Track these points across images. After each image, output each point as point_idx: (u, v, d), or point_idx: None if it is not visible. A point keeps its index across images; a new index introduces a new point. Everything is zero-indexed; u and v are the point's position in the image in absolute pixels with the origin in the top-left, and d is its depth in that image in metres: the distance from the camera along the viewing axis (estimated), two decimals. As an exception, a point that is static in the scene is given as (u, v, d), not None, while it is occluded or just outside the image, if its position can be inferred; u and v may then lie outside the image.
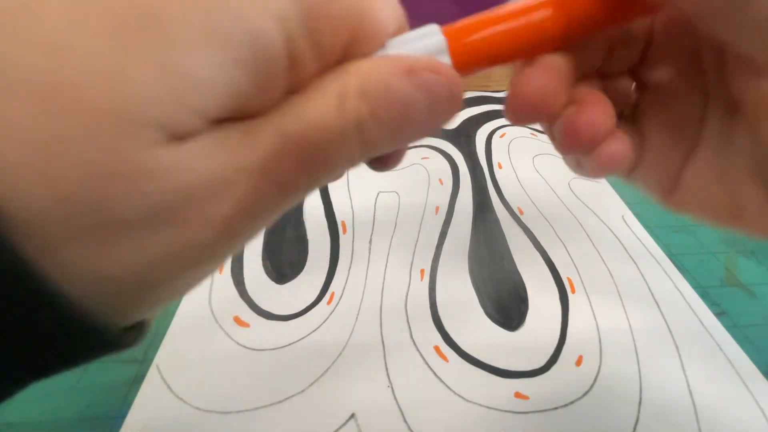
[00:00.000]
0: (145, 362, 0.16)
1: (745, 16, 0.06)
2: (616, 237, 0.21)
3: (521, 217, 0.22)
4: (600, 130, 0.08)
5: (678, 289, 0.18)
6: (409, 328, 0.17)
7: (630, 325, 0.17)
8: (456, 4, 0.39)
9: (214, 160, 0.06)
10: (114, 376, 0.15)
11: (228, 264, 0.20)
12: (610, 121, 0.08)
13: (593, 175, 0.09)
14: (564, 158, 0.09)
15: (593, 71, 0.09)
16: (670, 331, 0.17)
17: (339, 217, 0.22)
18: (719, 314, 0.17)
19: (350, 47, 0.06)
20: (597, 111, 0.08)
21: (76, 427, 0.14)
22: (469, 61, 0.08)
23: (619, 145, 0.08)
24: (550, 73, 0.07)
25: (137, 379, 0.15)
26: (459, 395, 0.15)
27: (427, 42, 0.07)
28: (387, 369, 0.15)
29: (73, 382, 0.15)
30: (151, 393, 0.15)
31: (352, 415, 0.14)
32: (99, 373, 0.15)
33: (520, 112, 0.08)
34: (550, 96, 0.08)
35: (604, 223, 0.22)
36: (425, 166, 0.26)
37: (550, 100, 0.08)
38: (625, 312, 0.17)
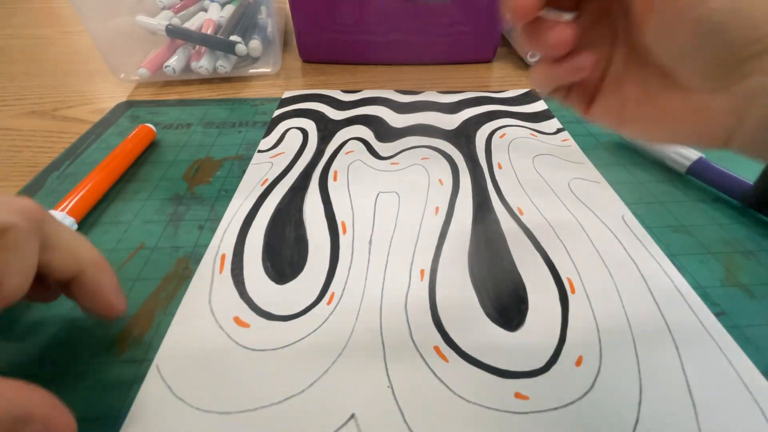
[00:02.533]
0: (146, 362, 0.16)
1: None
2: (616, 237, 0.21)
3: (521, 217, 0.22)
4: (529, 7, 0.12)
5: (678, 289, 0.18)
6: (409, 328, 0.17)
7: (630, 325, 0.17)
8: (456, 4, 0.39)
9: None
10: (114, 376, 0.15)
11: (228, 264, 0.20)
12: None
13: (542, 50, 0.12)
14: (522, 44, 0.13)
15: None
16: (670, 332, 0.17)
17: (339, 217, 0.22)
18: (719, 314, 0.17)
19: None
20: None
21: (77, 428, 0.14)
22: None
23: (560, 31, 0.12)
24: None
25: (137, 379, 0.15)
26: (459, 395, 0.14)
27: None
28: (387, 369, 0.15)
29: (73, 382, 0.15)
30: (151, 393, 0.15)
31: (352, 416, 0.14)
32: (99, 373, 0.15)
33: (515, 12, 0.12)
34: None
35: (604, 223, 0.22)
36: (425, 167, 0.26)
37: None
38: (625, 312, 0.17)
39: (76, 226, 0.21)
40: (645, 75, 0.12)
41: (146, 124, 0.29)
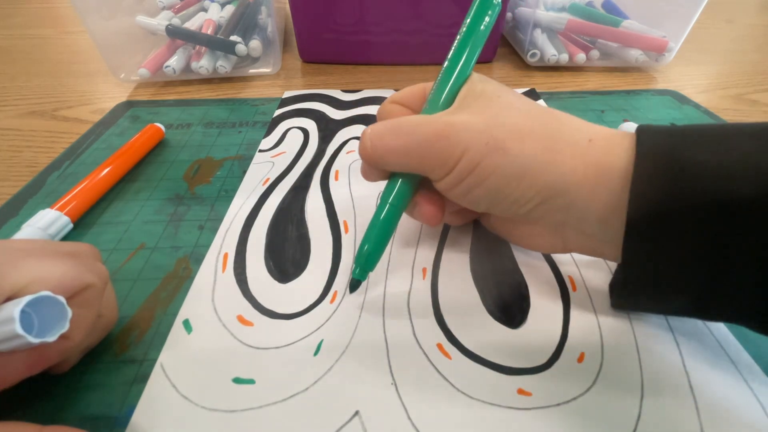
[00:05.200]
0: (146, 362, 0.16)
1: (478, 206, 0.16)
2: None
3: (522, 215, 0.22)
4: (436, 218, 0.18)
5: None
6: (412, 326, 0.17)
7: (630, 322, 0.17)
8: (456, 4, 0.39)
9: None
10: (114, 376, 0.15)
11: (230, 263, 0.20)
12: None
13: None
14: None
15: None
16: (670, 328, 0.17)
17: (341, 216, 0.22)
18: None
19: None
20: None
21: (76, 427, 0.14)
22: None
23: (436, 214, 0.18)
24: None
25: (137, 379, 0.15)
26: (462, 392, 0.15)
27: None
28: (390, 367, 0.15)
29: (73, 382, 0.15)
30: (156, 392, 0.15)
31: (356, 413, 0.14)
32: (99, 373, 0.15)
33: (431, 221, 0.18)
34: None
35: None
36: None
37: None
38: (626, 309, 0.17)
39: (71, 226, 0.21)
40: (500, 218, 0.19)
41: (155, 124, 0.29)
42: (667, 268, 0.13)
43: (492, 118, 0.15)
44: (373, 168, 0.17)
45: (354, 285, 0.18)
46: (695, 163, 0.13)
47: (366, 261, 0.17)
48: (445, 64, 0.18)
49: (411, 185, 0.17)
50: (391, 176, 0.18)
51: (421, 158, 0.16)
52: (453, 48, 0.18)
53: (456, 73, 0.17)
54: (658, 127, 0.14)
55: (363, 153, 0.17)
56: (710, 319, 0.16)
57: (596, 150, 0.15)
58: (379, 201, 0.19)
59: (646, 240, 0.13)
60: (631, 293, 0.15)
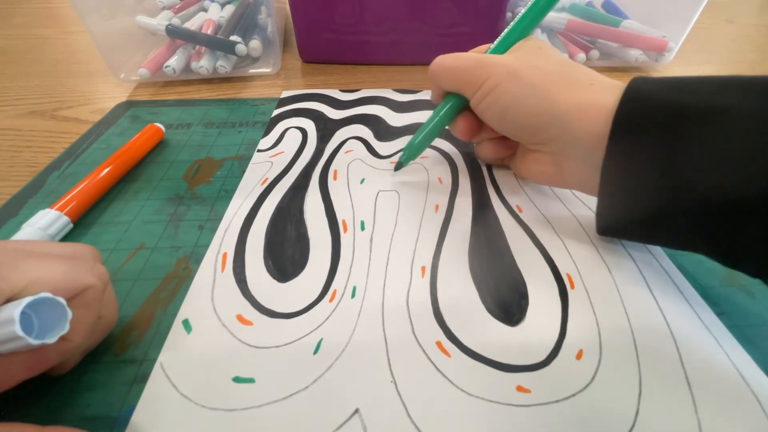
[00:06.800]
0: (146, 362, 0.16)
1: (506, 132, 0.22)
2: (615, 234, 0.21)
3: (520, 215, 0.23)
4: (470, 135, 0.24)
5: (675, 284, 0.19)
6: (411, 324, 0.17)
7: (629, 320, 0.17)
8: (455, 5, 0.39)
9: None
10: (114, 376, 0.15)
11: (230, 262, 0.20)
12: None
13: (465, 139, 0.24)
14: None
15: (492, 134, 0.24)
16: (668, 326, 0.17)
17: (340, 215, 0.22)
18: (719, 314, 0.17)
19: None
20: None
21: (76, 428, 0.14)
22: None
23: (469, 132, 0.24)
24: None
25: (137, 379, 0.15)
26: (461, 389, 0.15)
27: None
28: (390, 365, 0.15)
29: (73, 382, 0.15)
30: (156, 392, 0.15)
31: (356, 411, 0.14)
32: (99, 373, 0.15)
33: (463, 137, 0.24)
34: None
35: (603, 221, 0.22)
36: (424, 165, 0.27)
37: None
38: (624, 307, 0.18)
39: (71, 226, 0.21)
40: (517, 155, 0.24)
41: (155, 123, 0.29)
42: (631, 188, 0.16)
43: (520, 58, 0.20)
44: (433, 86, 0.24)
45: (398, 166, 0.25)
46: (659, 99, 0.15)
47: (411, 151, 0.24)
48: (510, 25, 0.22)
49: (455, 105, 0.23)
50: (444, 98, 0.24)
51: (462, 77, 0.21)
52: (520, 13, 0.22)
53: (515, 33, 0.22)
54: (649, 77, 0.17)
55: (429, 70, 0.23)
56: (671, 246, 0.19)
57: (594, 91, 0.18)
58: (376, 192, 0.24)
59: (618, 161, 0.16)
60: (607, 212, 0.18)
